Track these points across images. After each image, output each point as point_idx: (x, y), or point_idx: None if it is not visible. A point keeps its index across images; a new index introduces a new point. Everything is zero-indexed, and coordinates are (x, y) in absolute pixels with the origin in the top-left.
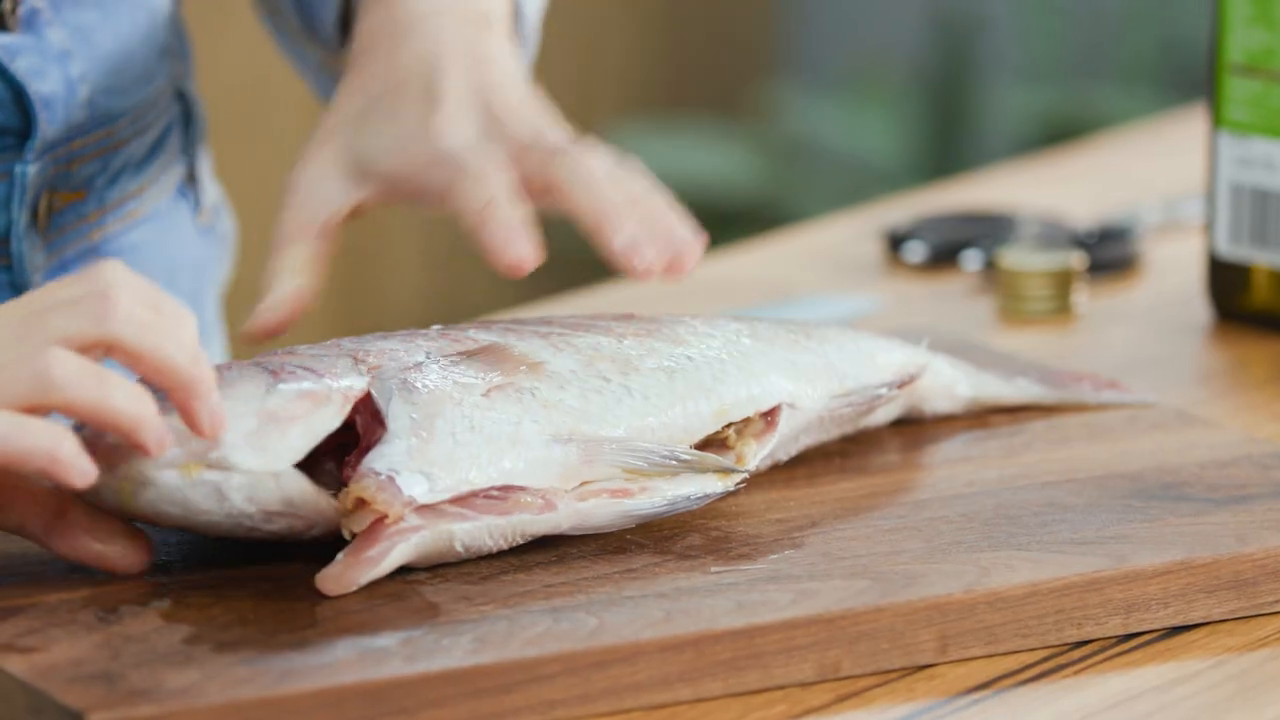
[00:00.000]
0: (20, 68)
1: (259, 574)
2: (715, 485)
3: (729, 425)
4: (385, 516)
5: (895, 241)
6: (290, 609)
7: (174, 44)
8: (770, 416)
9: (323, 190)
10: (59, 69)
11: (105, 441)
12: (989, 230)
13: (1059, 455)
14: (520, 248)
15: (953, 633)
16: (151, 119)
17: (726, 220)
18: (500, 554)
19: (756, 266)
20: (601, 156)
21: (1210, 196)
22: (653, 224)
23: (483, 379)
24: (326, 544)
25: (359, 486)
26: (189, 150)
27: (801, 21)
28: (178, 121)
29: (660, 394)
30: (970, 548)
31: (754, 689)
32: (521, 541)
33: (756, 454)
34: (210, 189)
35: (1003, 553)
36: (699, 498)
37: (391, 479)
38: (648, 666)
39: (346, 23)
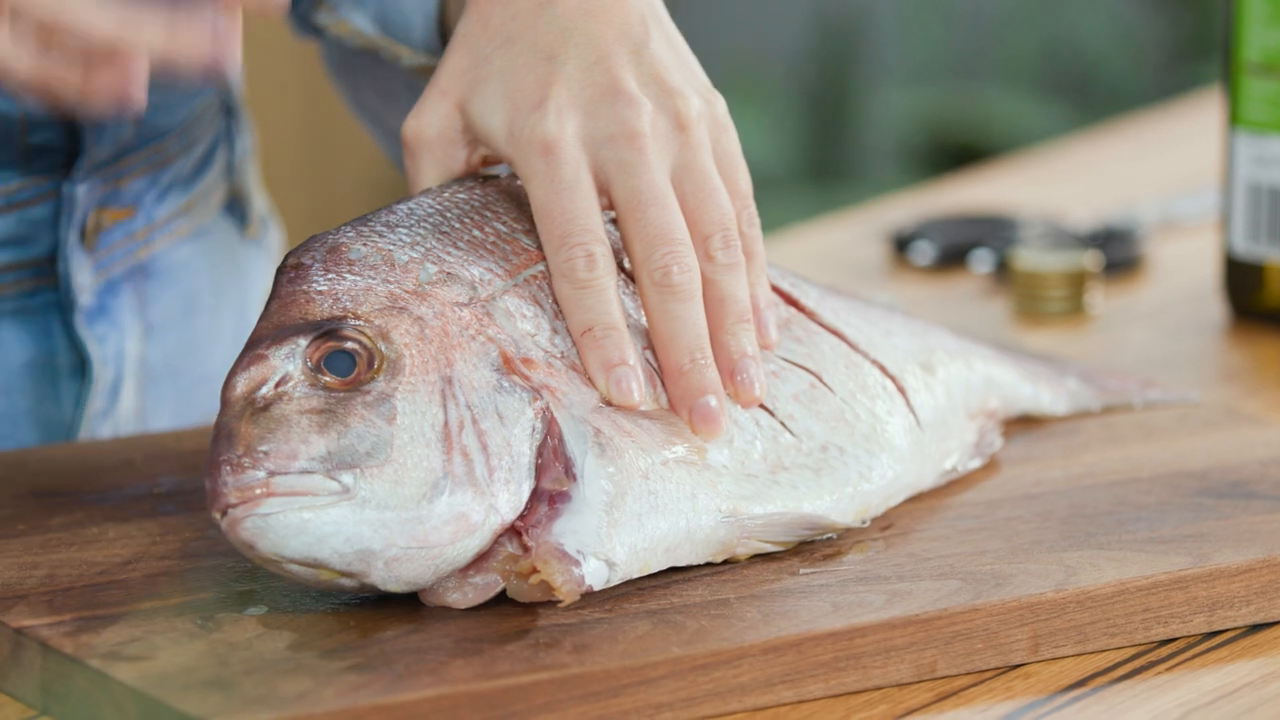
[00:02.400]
0: None
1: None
2: (849, 518)
3: None
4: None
5: (901, 243)
6: (386, 614)
7: None
8: None
9: (442, 153)
10: None
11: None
12: (994, 231)
13: (1118, 455)
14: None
15: (1044, 632)
16: (198, 133)
17: None
18: None
19: None
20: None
21: (1226, 195)
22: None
23: (664, 445)
24: None
25: (546, 567)
26: (236, 163)
27: (678, 22)
28: (224, 135)
29: (809, 485)
30: (1051, 547)
31: (853, 690)
32: None
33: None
34: (257, 201)
35: (1085, 552)
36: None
37: (579, 565)
38: (751, 669)
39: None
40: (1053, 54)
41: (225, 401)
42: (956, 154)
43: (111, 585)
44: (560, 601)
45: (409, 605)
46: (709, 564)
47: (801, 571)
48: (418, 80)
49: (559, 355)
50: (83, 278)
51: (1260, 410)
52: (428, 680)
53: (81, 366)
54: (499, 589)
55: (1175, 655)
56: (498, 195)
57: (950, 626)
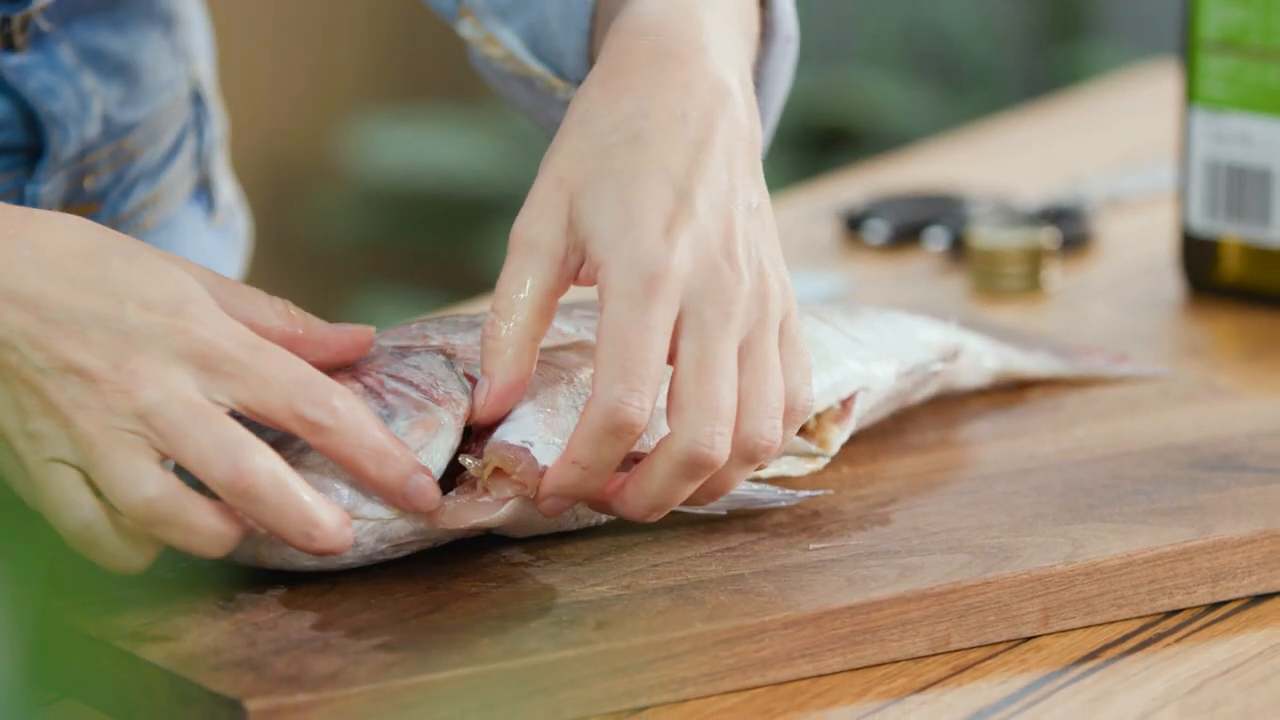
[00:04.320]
0: (31, 89)
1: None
2: (804, 466)
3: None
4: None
5: (853, 222)
6: (408, 592)
7: (191, 46)
8: (847, 401)
9: (549, 263)
10: (71, 87)
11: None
12: (946, 209)
13: (1105, 429)
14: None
15: (1054, 604)
16: (165, 124)
17: (475, 211)
18: (599, 535)
19: None
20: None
21: (1183, 171)
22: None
23: (582, 364)
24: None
25: (496, 457)
26: (204, 151)
27: None
28: (192, 125)
29: None
30: (1054, 520)
31: (870, 663)
32: None
33: (838, 439)
34: (225, 188)
35: (1089, 525)
36: (787, 494)
37: (527, 450)
38: (772, 643)
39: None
40: (915, 36)
41: None
42: (825, 136)
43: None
44: (522, 488)
45: (429, 584)
46: (722, 544)
47: (811, 547)
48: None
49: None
50: None
51: (1232, 385)
52: (457, 659)
53: None
54: (511, 497)
55: (1183, 626)
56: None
57: (963, 600)
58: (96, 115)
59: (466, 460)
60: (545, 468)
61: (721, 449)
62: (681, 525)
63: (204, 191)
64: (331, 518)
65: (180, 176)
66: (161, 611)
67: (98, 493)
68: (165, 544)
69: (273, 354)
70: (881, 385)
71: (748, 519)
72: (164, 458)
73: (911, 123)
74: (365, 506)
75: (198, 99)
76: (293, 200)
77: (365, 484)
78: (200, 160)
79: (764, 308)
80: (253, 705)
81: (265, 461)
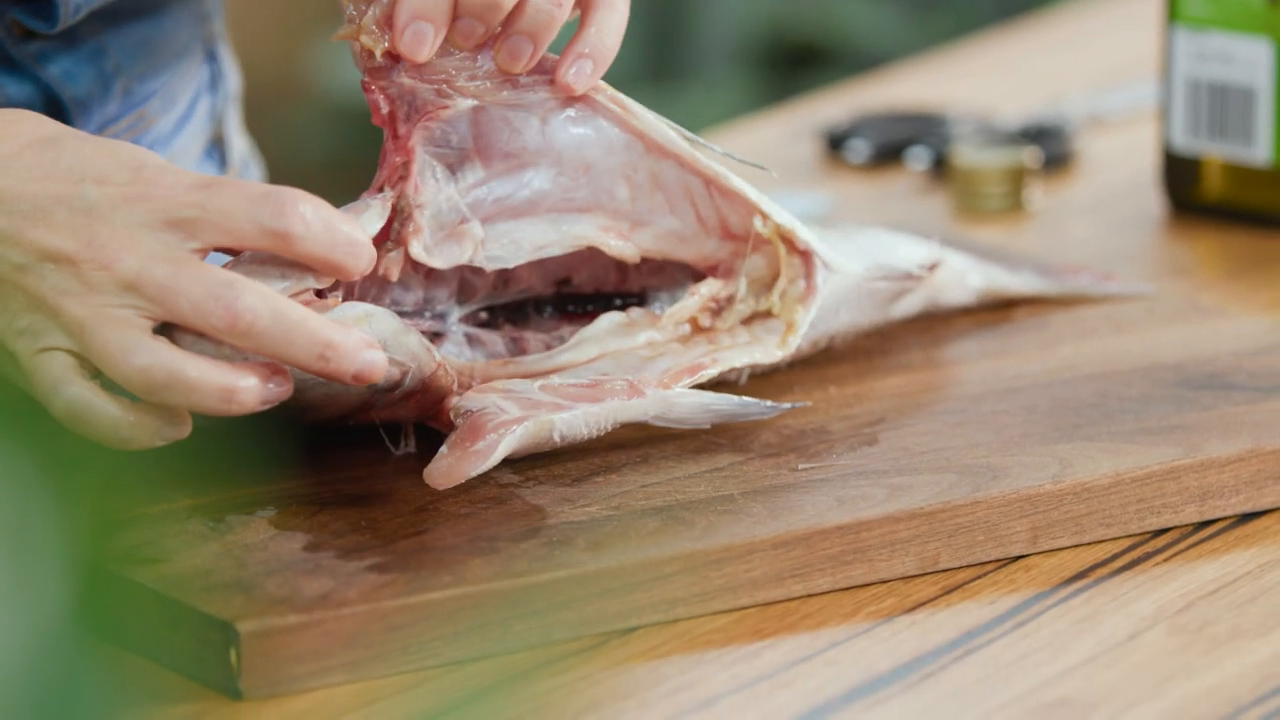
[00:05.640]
0: (53, 74)
1: (349, 479)
2: (775, 352)
3: (776, 292)
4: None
5: (835, 142)
6: (396, 514)
7: (208, 7)
8: (809, 278)
9: None
10: (94, 68)
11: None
12: (927, 129)
13: (1092, 348)
14: None
15: (1043, 524)
16: (181, 89)
17: None
18: (587, 456)
19: None
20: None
21: (1165, 90)
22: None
23: None
24: (412, 456)
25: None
26: (218, 110)
27: None
28: (206, 85)
29: None
30: (1042, 439)
31: (859, 583)
32: (611, 429)
33: (804, 319)
34: (238, 144)
35: (1076, 444)
36: (769, 406)
37: None
38: (762, 563)
39: None
40: None
41: None
42: (795, 54)
43: (114, 489)
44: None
45: (419, 505)
46: (711, 464)
47: (799, 467)
48: None
49: None
50: None
51: (1216, 304)
52: (448, 579)
53: None
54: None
55: (1170, 546)
56: None
57: (953, 519)
58: (118, 93)
59: (454, 401)
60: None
61: None
62: (669, 446)
63: (216, 149)
64: (343, 333)
65: (194, 137)
66: (153, 534)
67: (93, 375)
68: (165, 413)
69: (224, 185)
70: (850, 276)
71: (735, 439)
72: (156, 323)
73: (881, 40)
74: None
75: (211, 57)
76: (262, 118)
77: (339, 276)
78: (214, 119)
79: None
80: (244, 627)
81: (258, 296)
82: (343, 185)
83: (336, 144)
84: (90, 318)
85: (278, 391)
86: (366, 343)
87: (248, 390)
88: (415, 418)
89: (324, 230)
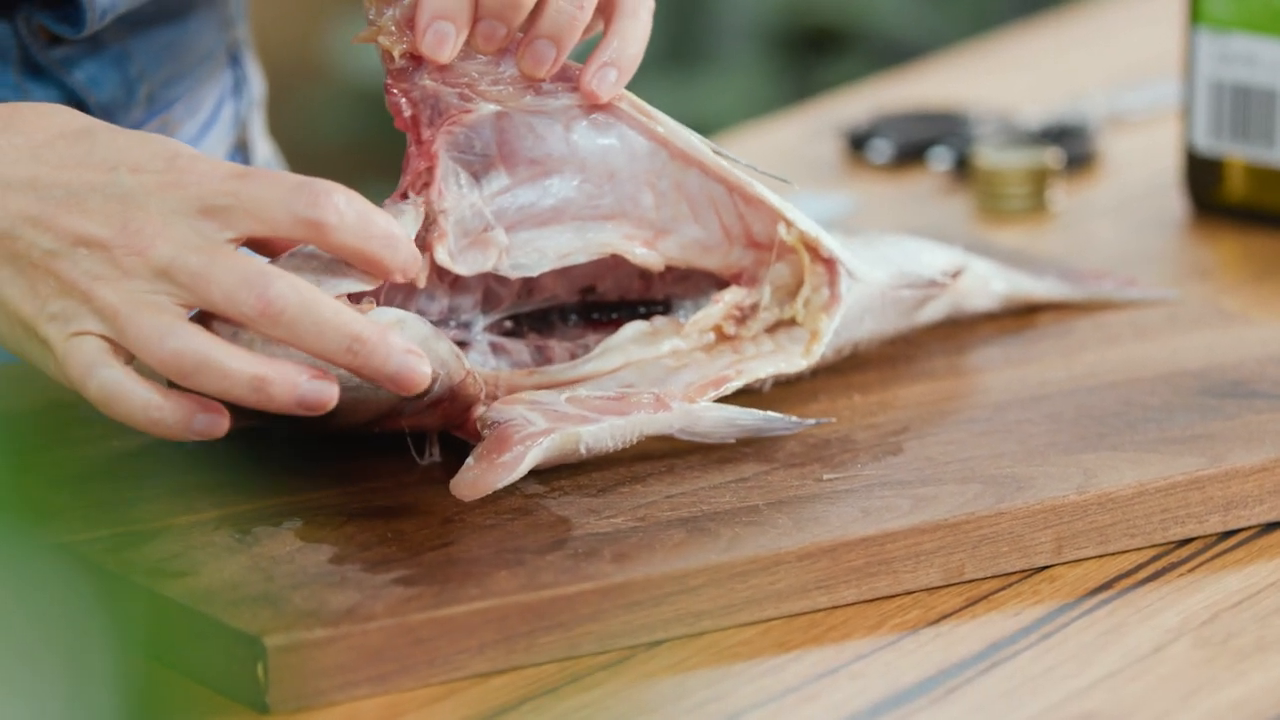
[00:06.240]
0: (78, 80)
1: (375, 489)
2: (799, 361)
3: (800, 300)
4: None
5: (857, 141)
6: (422, 526)
7: (232, 11)
8: (834, 286)
9: None
10: (118, 74)
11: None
12: (949, 128)
13: (1115, 355)
14: None
15: (1067, 534)
16: (205, 95)
17: None
18: (613, 466)
19: None
20: None
21: (1187, 91)
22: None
23: None
24: (438, 466)
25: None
26: (241, 115)
27: None
28: (230, 91)
29: None
30: (1066, 449)
31: (884, 594)
32: (636, 442)
33: (829, 327)
34: (262, 149)
35: (1100, 454)
36: (794, 421)
37: None
38: (787, 575)
39: None
40: None
41: None
42: (813, 37)
43: (142, 500)
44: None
45: (444, 516)
46: (735, 474)
47: (824, 477)
48: None
49: None
50: None
51: (1239, 308)
52: (475, 592)
53: None
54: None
55: (1194, 556)
56: None
57: (977, 530)
58: (143, 98)
59: (481, 412)
60: None
61: None
62: (695, 455)
63: (240, 154)
64: (374, 329)
65: (218, 142)
66: (181, 545)
67: (126, 360)
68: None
69: (259, 174)
70: (874, 285)
71: (760, 448)
72: (188, 309)
73: (900, 23)
74: None
75: (235, 62)
76: (281, 99)
77: (375, 271)
78: (238, 124)
79: None
80: (271, 642)
81: (289, 285)
82: (361, 169)
83: (356, 127)
84: (124, 303)
85: (314, 390)
86: (407, 348)
87: (280, 383)
88: (441, 426)
89: (358, 221)
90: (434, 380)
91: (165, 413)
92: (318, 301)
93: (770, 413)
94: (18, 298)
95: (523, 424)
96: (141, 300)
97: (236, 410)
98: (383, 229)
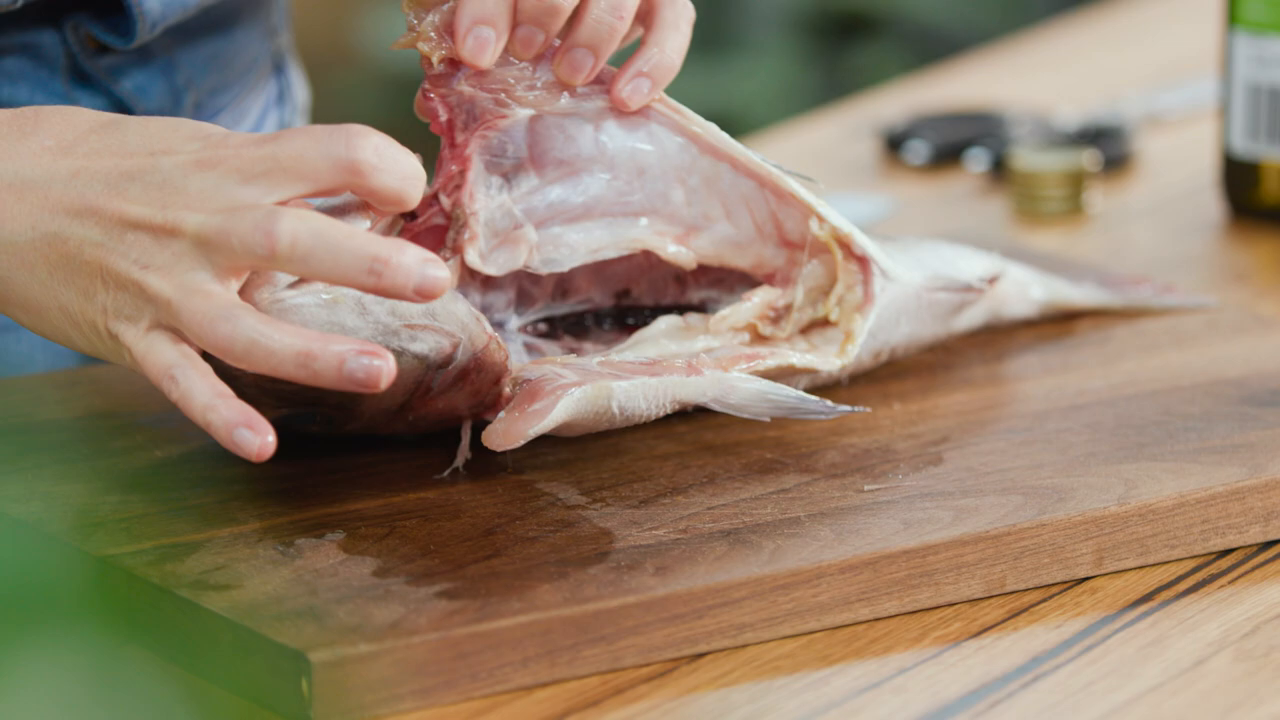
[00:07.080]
0: (126, 88)
1: (417, 499)
2: (833, 361)
3: (833, 298)
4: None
5: (894, 142)
6: (464, 537)
7: (276, 20)
8: (867, 285)
9: None
10: (165, 82)
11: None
12: (986, 129)
13: (1155, 363)
14: None
15: (1108, 545)
16: (250, 103)
17: None
18: (654, 477)
19: None
20: None
21: (1225, 94)
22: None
23: None
24: (480, 474)
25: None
26: (285, 125)
27: None
28: (275, 100)
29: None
30: (1106, 459)
31: (926, 606)
32: (671, 409)
33: (862, 327)
34: None
35: (1141, 464)
36: (829, 406)
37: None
38: (829, 588)
39: None
40: None
41: None
42: (844, 22)
43: (185, 511)
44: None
45: (487, 529)
46: (777, 485)
47: (866, 488)
48: None
49: None
50: None
51: (1277, 312)
52: (518, 605)
53: None
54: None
55: (1235, 567)
56: None
57: (1019, 542)
58: (189, 107)
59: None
60: None
61: None
62: (735, 466)
63: None
64: (394, 246)
65: None
66: (224, 558)
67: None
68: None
69: (289, 133)
70: (909, 285)
71: (800, 458)
72: (232, 279)
73: (931, 7)
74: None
75: (279, 71)
76: (313, 85)
77: (401, 207)
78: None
79: None
80: (316, 657)
81: (296, 217)
82: None
83: (384, 110)
84: (175, 290)
85: (362, 366)
86: (424, 257)
87: (324, 356)
88: (472, 407)
89: (393, 161)
90: (455, 345)
91: (216, 415)
92: (330, 226)
93: (805, 393)
94: (77, 300)
95: (554, 377)
96: (189, 286)
97: (271, 394)
98: (411, 166)
